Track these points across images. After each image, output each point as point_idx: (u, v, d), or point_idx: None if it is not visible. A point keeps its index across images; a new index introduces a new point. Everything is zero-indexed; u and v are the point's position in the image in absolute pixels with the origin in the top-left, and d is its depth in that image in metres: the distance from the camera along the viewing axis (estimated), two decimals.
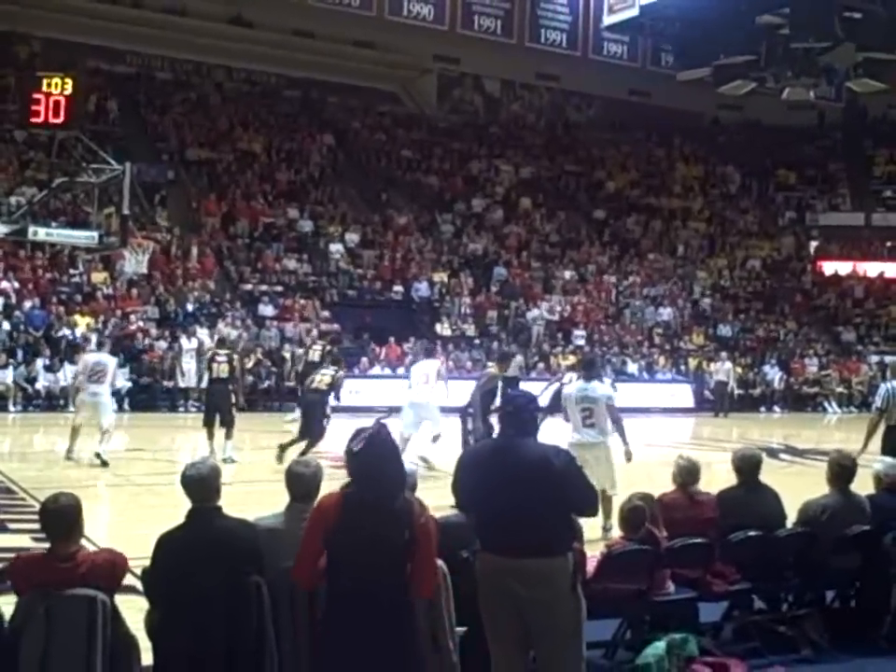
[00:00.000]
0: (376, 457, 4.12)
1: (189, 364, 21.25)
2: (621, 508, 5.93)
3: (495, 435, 8.79)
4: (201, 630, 4.46)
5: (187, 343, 21.71)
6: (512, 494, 4.45)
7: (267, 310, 24.75)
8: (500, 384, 11.87)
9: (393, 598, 4.07)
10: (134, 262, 23.80)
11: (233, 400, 14.24)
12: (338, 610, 4.10)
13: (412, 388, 13.77)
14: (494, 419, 10.73)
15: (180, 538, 4.63)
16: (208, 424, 13.90)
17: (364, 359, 23.58)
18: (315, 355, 18.76)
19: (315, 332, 22.53)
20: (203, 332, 21.98)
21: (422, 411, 13.38)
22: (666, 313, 30.35)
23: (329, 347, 18.62)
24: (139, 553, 5.04)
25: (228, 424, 13.84)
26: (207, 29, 31.23)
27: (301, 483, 5.03)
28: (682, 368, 27.90)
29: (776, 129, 37.44)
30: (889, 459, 7.30)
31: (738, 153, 39.05)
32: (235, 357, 15.08)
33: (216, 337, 18.60)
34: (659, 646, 5.56)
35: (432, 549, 4.23)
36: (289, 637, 4.65)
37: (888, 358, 13.58)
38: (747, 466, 6.58)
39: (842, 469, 6.59)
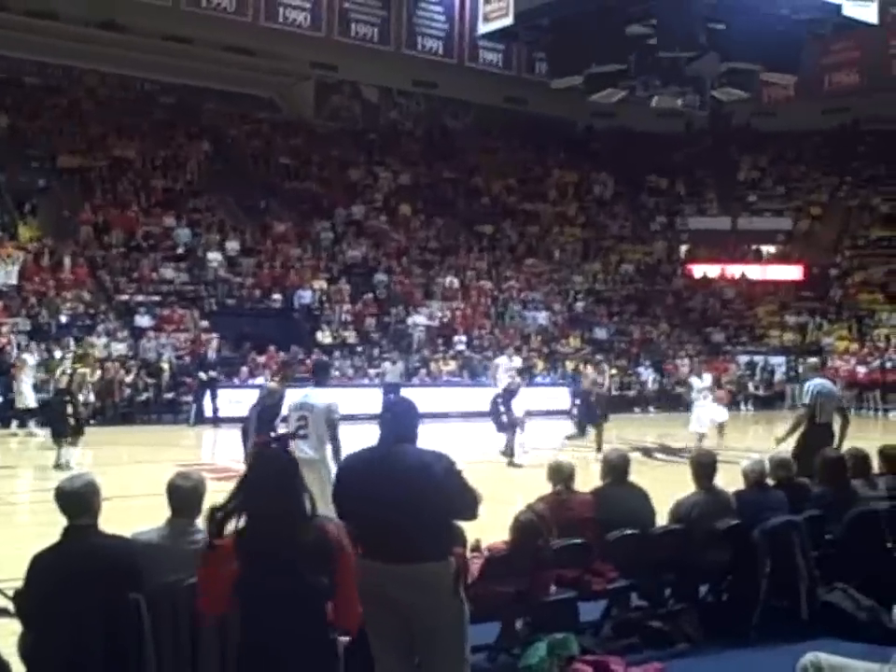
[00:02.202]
0: (269, 483, 3.78)
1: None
2: (516, 517, 5.99)
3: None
4: (77, 652, 4.34)
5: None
6: (394, 500, 4.46)
7: (144, 320, 24.24)
8: (283, 397, 10.31)
9: (317, 644, 3.76)
10: (3, 273, 23.10)
11: (70, 411, 14.58)
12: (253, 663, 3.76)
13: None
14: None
15: (54, 557, 4.49)
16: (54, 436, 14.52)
17: (244, 368, 23.31)
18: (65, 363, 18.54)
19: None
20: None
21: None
22: (543, 317, 30.85)
23: (80, 351, 18.64)
24: (11, 575, 4.90)
25: (64, 434, 14.29)
26: (79, 33, 30.33)
27: (182, 496, 4.94)
28: (560, 371, 28.40)
29: (646, 136, 38.46)
30: (755, 456, 7.60)
31: (611, 160, 39.96)
32: (79, 371, 15.13)
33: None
34: (541, 647, 5.66)
35: (354, 577, 3.94)
36: (171, 655, 4.59)
37: (810, 360, 13.97)
38: (616, 465, 6.80)
39: (702, 467, 6.89)
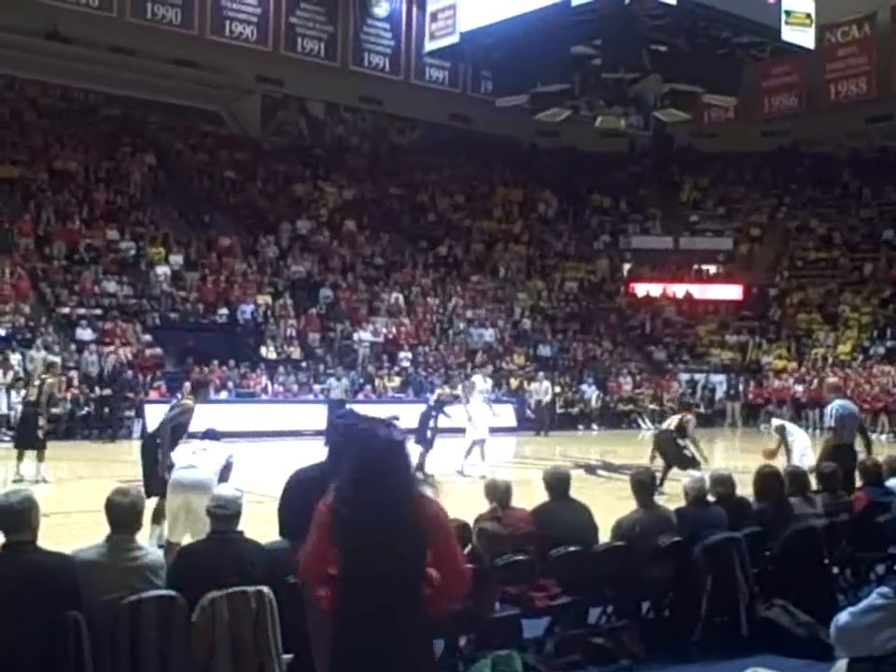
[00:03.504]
0: (378, 452, 3.80)
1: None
2: None
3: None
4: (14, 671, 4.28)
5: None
6: None
7: (85, 334, 23.90)
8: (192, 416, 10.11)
9: (410, 614, 3.76)
10: None
11: (40, 423, 14.53)
12: (352, 633, 3.75)
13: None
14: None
15: None
16: (18, 447, 14.65)
17: (187, 384, 23.03)
18: None
19: None
20: (15, 358, 21.09)
21: None
22: (488, 334, 30.95)
23: (49, 361, 18.38)
24: None
25: (35, 447, 14.27)
26: (21, 43, 29.55)
27: (121, 512, 4.88)
28: (504, 388, 28.47)
29: (590, 155, 38.80)
30: (695, 473, 7.69)
31: (555, 178, 40.26)
32: (48, 382, 14.97)
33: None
34: (484, 664, 5.66)
35: (450, 539, 3.92)
36: None
37: (830, 380, 13.71)
38: (557, 482, 6.85)
39: (641, 485, 6.97)
